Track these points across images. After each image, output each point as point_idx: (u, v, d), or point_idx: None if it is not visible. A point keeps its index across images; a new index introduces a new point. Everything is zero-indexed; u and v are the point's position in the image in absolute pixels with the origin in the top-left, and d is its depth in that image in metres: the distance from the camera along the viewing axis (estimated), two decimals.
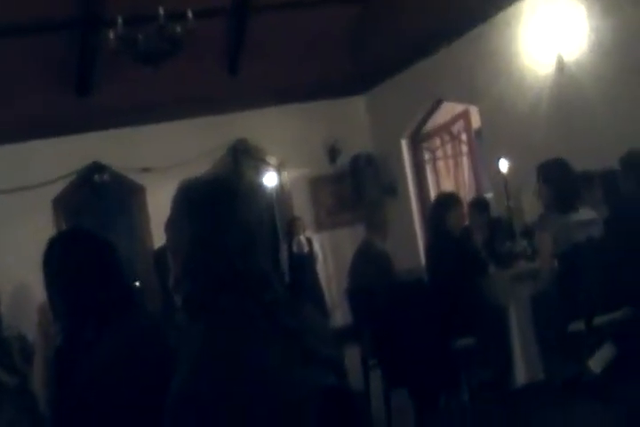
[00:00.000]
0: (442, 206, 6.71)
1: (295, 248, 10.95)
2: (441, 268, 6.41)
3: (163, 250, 8.56)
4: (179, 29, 8.57)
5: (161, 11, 8.42)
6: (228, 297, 1.85)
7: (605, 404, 5.47)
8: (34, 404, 2.50)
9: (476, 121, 10.47)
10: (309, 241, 11.14)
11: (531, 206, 8.24)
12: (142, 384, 2.19)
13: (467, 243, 6.68)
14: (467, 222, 6.85)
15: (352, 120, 12.15)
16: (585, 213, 5.82)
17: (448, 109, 11.02)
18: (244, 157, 11.76)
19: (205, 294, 1.87)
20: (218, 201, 1.92)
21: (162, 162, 10.74)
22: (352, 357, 6.39)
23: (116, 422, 2.23)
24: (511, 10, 8.92)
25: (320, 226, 12.01)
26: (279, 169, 11.95)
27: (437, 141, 11.67)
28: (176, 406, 1.77)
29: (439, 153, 11.70)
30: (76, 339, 2.48)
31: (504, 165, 9.10)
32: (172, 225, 1.97)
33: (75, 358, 2.36)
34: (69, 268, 2.55)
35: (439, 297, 6.27)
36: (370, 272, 7.32)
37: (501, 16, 9.09)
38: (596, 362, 5.50)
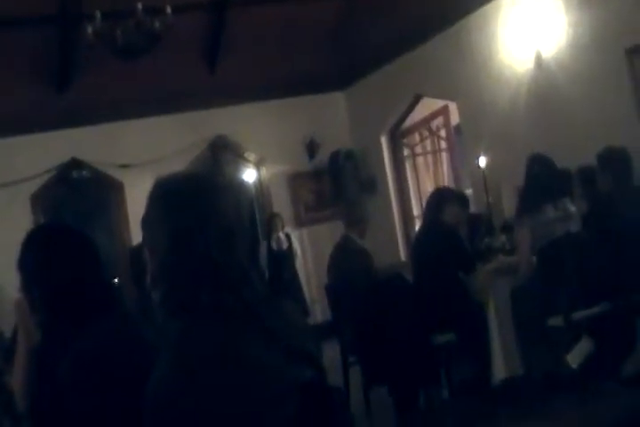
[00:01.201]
0: (440, 199, 6.68)
1: (274, 244, 10.94)
2: (429, 260, 6.38)
3: (138, 248, 8.52)
4: (157, 25, 8.52)
5: (139, 6, 8.37)
6: (207, 294, 1.84)
7: (583, 397, 5.51)
8: (10, 400, 2.48)
9: (455, 117, 10.49)
10: (288, 237, 11.14)
11: (510, 202, 8.27)
12: (121, 382, 2.18)
13: (459, 237, 6.66)
14: (461, 220, 6.81)
15: (331, 116, 12.14)
16: (563, 209, 5.85)
17: (427, 105, 11.02)
18: (222, 153, 11.74)
19: (184, 290, 1.86)
20: (195, 197, 1.91)
21: (140, 158, 10.70)
22: (332, 353, 6.40)
23: (95, 421, 2.21)
24: (490, 6, 8.94)
25: (299, 222, 11.99)
26: (258, 165, 11.93)
27: (417, 137, 11.67)
28: (155, 404, 1.76)
29: (418, 149, 11.71)
30: (54, 335, 2.46)
31: (483, 161, 9.14)
32: (148, 221, 1.96)
33: (54, 354, 2.34)
34: (47, 262, 2.52)
35: (420, 292, 6.27)
36: (349, 268, 7.31)
37: (480, 12, 9.10)
38: (574, 357, 5.53)
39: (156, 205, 1.94)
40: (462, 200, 7.03)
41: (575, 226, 5.82)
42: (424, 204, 7.49)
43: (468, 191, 10.11)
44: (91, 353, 2.29)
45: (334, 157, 11.89)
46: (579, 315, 5.68)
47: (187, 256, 1.86)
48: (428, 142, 11.57)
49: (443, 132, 11.05)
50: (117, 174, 11.04)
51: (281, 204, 11.88)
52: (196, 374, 1.75)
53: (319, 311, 10.38)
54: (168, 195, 1.94)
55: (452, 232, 6.49)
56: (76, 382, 2.24)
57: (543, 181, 5.89)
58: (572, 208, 5.89)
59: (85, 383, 2.23)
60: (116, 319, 2.44)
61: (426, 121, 11.29)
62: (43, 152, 10.55)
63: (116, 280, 7.72)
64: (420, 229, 7.25)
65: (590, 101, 7.74)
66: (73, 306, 2.45)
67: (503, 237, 7.47)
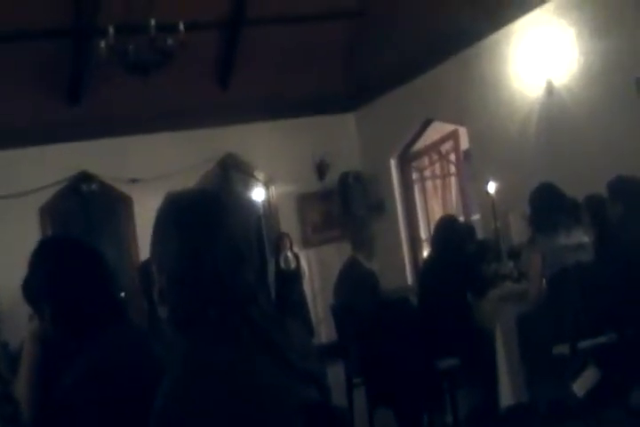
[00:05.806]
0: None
1: (282, 264, 10.92)
2: (439, 281, 6.37)
3: (148, 262, 8.52)
4: (170, 41, 8.57)
5: (152, 22, 8.41)
6: (214, 310, 1.83)
7: (589, 426, 5.47)
8: (16, 411, 2.47)
9: (464, 142, 10.49)
10: (296, 257, 11.12)
11: (517, 228, 8.25)
12: (127, 395, 2.17)
13: (472, 259, 6.75)
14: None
15: (341, 137, 12.15)
16: (575, 237, 5.83)
17: (437, 129, 11.04)
18: (232, 171, 11.75)
19: (191, 307, 1.85)
20: (205, 214, 1.90)
21: (150, 173, 10.71)
22: (337, 374, 6.36)
23: None
24: (502, 32, 8.97)
25: (306, 242, 11.98)
26: (267, 184, 11.94)
27: (426, 161, 11.68)
28: (160, 419, 1.75)
29: (427, 173, 11.72)
30: (60, 347, 2.44)
31: (492, 187, 9.12)
32: (156, 237, 1.94)
33: (59, 366, 2.33)
34: (57, 276, 2.49)
35: (426, 315, 6.25)
36: (355, 290, 7.29)
37: (492, 38, 9.13)
38: (580, 385, 5.49)
39: (166, 221, 1.93)
40: (468, 230, 7.10)
41: (586, 255, 5.79)
42: (432, 228, 7.51)
43: (476, 217, 10.10)
44: (96, 366, 2.28)
45: (343, 178, 11.89)
46: (585, 344, 5.64)
47: (194, 273, 1.85)
48: (437, 166, 11.59)
49: (452, 157, 11.06)
50: (126, 189, 11.06)
51: (289, 223, 11.87)
52: (202, 391, 1.74)
53: (324, 332, 10.34)
54: (178, 211, 1.92)
55: (464, 253, 6.51)
56: (82, 394, 2.23)
57: (553, 210, 5.88)
58: (586, 238, 5.88)
59: (91, 396, 2.22)
60: (122, 333, 2.43)
61: (435, 145, 11.30)
62: (52, 164, 10.57)
63: (122, 294, 7.69)
64: (430, 253, 7.26)
65: (600, 130, 7.74)
66: (80, 319, 2.43)
67: (511, 264, 7.45)
